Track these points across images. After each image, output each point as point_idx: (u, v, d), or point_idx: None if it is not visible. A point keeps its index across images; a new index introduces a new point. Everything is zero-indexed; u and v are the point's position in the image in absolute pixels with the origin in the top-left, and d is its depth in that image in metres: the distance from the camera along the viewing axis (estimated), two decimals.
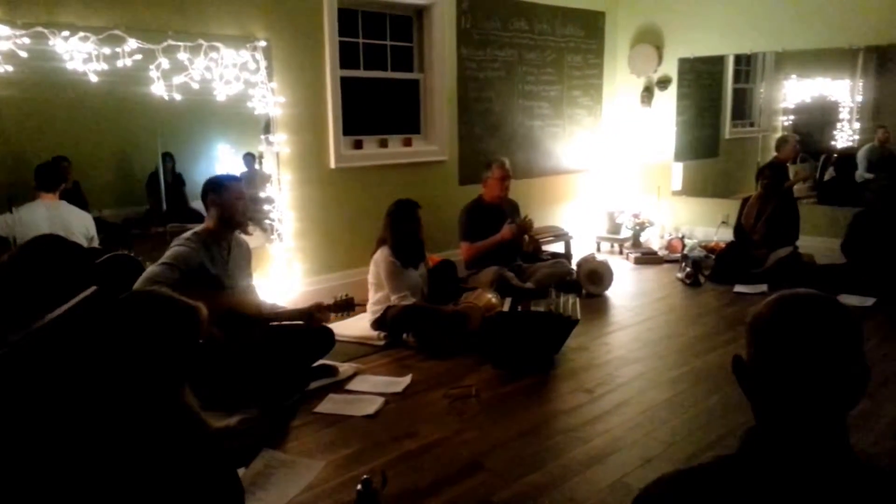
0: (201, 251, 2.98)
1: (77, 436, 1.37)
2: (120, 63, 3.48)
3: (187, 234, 3.04)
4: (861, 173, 5.85)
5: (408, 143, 5.14)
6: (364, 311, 3.94)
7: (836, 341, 0.93)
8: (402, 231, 3.89)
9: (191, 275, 2.86)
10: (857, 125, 5.98)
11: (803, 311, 0.95)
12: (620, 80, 6.67)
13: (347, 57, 4.68)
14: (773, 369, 0.94)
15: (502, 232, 4.54)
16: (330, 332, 3.44)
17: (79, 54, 3.37)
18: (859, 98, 5.94)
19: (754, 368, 0.97)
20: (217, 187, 3.09)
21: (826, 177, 6.11)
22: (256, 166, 4.32)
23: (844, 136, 6.07)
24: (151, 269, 2.88)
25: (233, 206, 3.09)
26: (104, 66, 3.43)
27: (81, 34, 3.37)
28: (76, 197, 3.57)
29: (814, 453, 0.91)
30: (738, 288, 4.85)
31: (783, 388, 0.93)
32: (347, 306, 3.35)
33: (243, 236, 3.28)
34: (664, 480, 1.00)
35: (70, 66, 3.36)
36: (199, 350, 1.46)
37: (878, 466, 0.95)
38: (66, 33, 3.33)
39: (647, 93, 6.54)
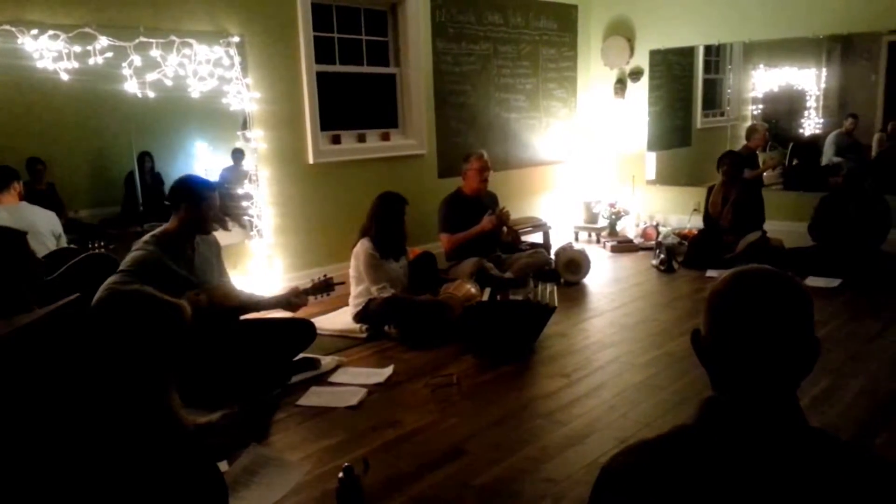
0: (160, 254, 2.91)
1: (60, 434, 1.38)
2: (91, 61, 3.46)
3: (146, 237, 2.98)
4: (829, 158, 6.00)
5: (386, 137, 5.16)
6: (342, 289, 3.94)
7: (786, 314, 0.97)
8: (387, 224, 3.92)
9: (154, 277, 2.74)
10: (823, 112, 6.13)
11: (756, 286, 0.99)
12: (594, 73, 6.75)
13: (323, 52, 4.69)
14: (727, 340, 0.99)
15: (482, 223, 4.59)
16: (311, 326, 3.45)
17: (49, 53, 3.34)
18: (824, 86, 6.10)
19: (710, 340, 1.01)
20: (194, 197, 3.01)
21: (794, 163, 6.26)
22: (243, 163, 4.32)
23: (811, 123, 6.23)
24: (110, 279, 2.81)
25: (205, 217, 3.04)
26: (75, 65, 3.41)
27: (51, 32, 3.34)
28: (51, 199, 3.54)
29: (766, 420, 0.96)
30: (711, 273, 4.96)
31: (736, 358, 0.98)
32: (326, 287, 3.33)
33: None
34: (628, 450, 1.04)
35: (40, 64, 3.33)
36: (184, 348, 1.47)
37: (829, 432, 1.00)
38: (34, 31, 3.30)
39: (620, 84, 6.63)
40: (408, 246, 4.22)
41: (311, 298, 3.36)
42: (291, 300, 3.24)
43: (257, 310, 3.27)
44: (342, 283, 3.54)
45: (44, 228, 3.37)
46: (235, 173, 4.29)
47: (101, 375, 1.38)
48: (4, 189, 3.32)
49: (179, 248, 3.02)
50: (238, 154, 4.30)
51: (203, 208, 3.02)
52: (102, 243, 3.35)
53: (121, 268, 2.87)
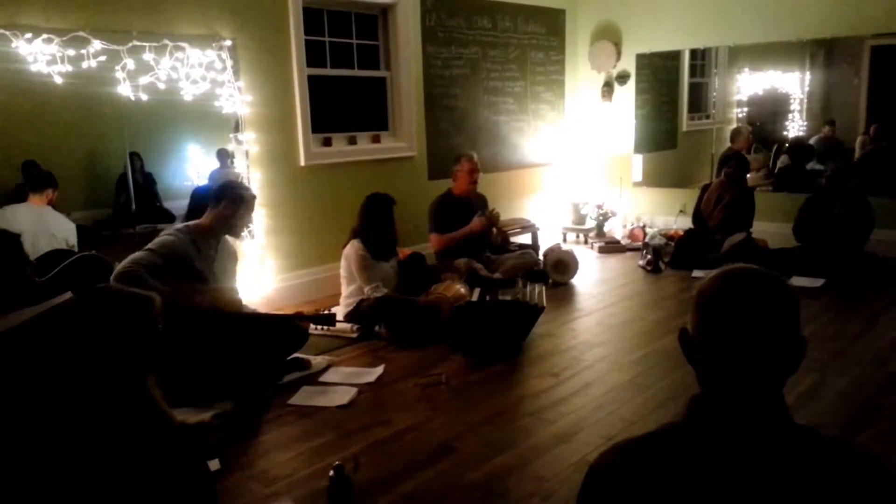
0: (189, 244, 3.03)
1: (41, 432, 1.39)
2: (85, 65, 3.48)
3: (179, 225, 3.12)
4: (811, 164, 6.11)
5: (376, 139, 5.20)
6: (334, 288, 4.02)
7: (773, 313, 0.98)
8: (377, 224, 3.97)
9: (175, 264, 2.92)
10: (807, 115, 6.24)
11: (743, 285, 1.00)
12: (581, 76, 6.83)
13: (314, 55, 4.73)
14: (715, 339, 0.99)
15: (472, 224, 4.64)
16: (303, 327, 3.50)
17: (43, 56, 3.36)
18: (808, 89, 6.20)
19: (698, 338, 1.02)
20: (238, 199, 3.17)
21: (779, 164, 6.36)
22: (228, 164, 4.35)
23: (795, 126, 6.33)
24: (137, 253, 2.93)
25: (240, 219, 3.20)
26: (69, 68, 3.44)
27: (45, 36, 3.36)
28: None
29: (753, 417, 0.96)
30: (696, 273, 5.02)
31: (723, 356, 0.98)
32: (327, 321, 3.42)
33: (231, 239, 3.36)
34: (615, 448, 1.05)
35: (34, 68, 3.35)
36: (157, 339, 1.47)
37: (814, 429, 1.01)
38: (29, 35, 3.32)
39: (608, 88, 6.71)
40: (398, 247, 4.26)
41: (311, 326, 3.45)
42: (294, 321, 3.31)
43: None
44: (342, 321, 3.63)
45: (59, 234, 3.47)
46: (223, 174, 4.31)
47: (76, 371, 1.39)
48: (38, 191, 3.47)
49: (206, 245, 3.13)
50: (223, 155, 4.32)
51: (241, 209, 3.18)
52: (93, 252, 3.39)
53: (148, 246, 2.97)
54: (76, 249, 3.52)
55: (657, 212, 6.55)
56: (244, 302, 3.39)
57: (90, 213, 3.91)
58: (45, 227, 3.41)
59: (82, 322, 1.41)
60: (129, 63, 3.64)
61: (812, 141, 6.17)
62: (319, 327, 3.51)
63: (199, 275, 3.04)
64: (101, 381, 1.38)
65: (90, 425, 1.36)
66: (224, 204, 3.15)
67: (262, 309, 3.84)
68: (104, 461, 1.33)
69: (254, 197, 3.35)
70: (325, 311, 3.46)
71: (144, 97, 3.73)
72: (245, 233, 3.90)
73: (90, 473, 1.33)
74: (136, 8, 3.75)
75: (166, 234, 3.03)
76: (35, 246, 3.28)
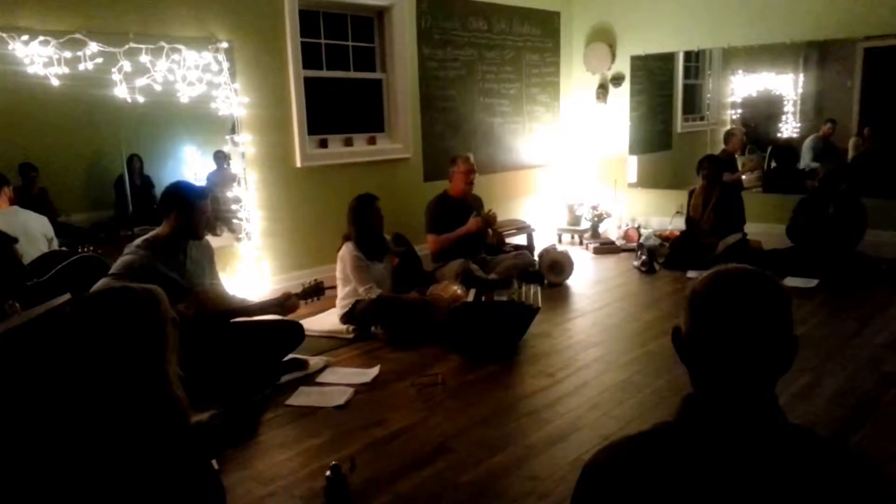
0: (151, 257, 2.93)
1: (49, 431, 1.40)
2: (81, 67, 3.49)
3: (138, 241, 3.00)
4: (806, 163, 6.15)
5: (372, 141, 5.22)
6: (334, 295, 4.01)
7: (765, 312, 0.98)
8: (364, 224, 3.99)
9: (143, 281, 2.83)
10: (800, 116, 6.29)
11: (736, 284, 1.00)
12: (576, 78, 6.86)
13: (310, 57, 4.74)
14: (707, 338, 1.00)
15: (468, 224, 4.67)
16: (300, 327, 3.49)
17: (39, 58, 3.37)
18: (801, 91, 6.25)
19: (690, 338, 1.02)
20: (185, 204, 3.03)
21: (772, 166, 6.40)
22: (225, 166, 4.36)
23: (789, 127, 6.37)
24: (100, 282, 2.85)
25: (196, 223, 3.05)
26: (66, 70, 3.45)
27: (41, 38, 3.37)
28: (43, 204, 3.56)
29: (745, 417, 0.96)
30: (691, 273, 5.03)
31: (716, 355, 0.99)
32: (317, 291, 3.37)
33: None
34: (610, 447, 1.05)
35: (31, 70, 3.36)
36: (172, 328, 1.45)
37: (806, 428, 1.01)
38: (25, 37, 3.33)
39: (602, 89, 6.75)
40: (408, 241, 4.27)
41: (301, 302, 3.40)
42: (283, 304, 3.29)
43: (248, 314, 3.30)
44: (333, 287, 3.56)
45: (37, 232, 3.42)
46: (221, 176, 4.33)
47: (94, 372, 1.37)
48: None
49: (171, 252, 3.05)
50: (220, 157, 4.33)
51: (194, 215, 3.04)
52: (91, 248, 3.37)
53: (111, 271, 2.90)
54: (56, 242, 3.48)
55: (652, 213, 6.58)
56: (230, 294, 3.34)
57: (90, 214, 3.91)
58: (20, 226, 3.31)
59: (91, 322, 1.40)
60: (126, 65, 3.65)
61: (809, 140, 6.20)
62: (311, 300, 3.43)
63: (173, 284, 2.94)
64: (118, 378, 1.37)
65: (102, 424, 1.35)
66: (174, 214, 3.02)
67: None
68: (117, 459, 1.34)
69: (204, 196, 3.13)
70: (312, 282, 3.38)
71: (141, 99, 3.74)
72: (227, 226, 3.82)
73: (103, 470, 1.33)
74: (132, 10, 3.76)
75: (127, 253, 2.93)
76: (20, 248, 3.25)
